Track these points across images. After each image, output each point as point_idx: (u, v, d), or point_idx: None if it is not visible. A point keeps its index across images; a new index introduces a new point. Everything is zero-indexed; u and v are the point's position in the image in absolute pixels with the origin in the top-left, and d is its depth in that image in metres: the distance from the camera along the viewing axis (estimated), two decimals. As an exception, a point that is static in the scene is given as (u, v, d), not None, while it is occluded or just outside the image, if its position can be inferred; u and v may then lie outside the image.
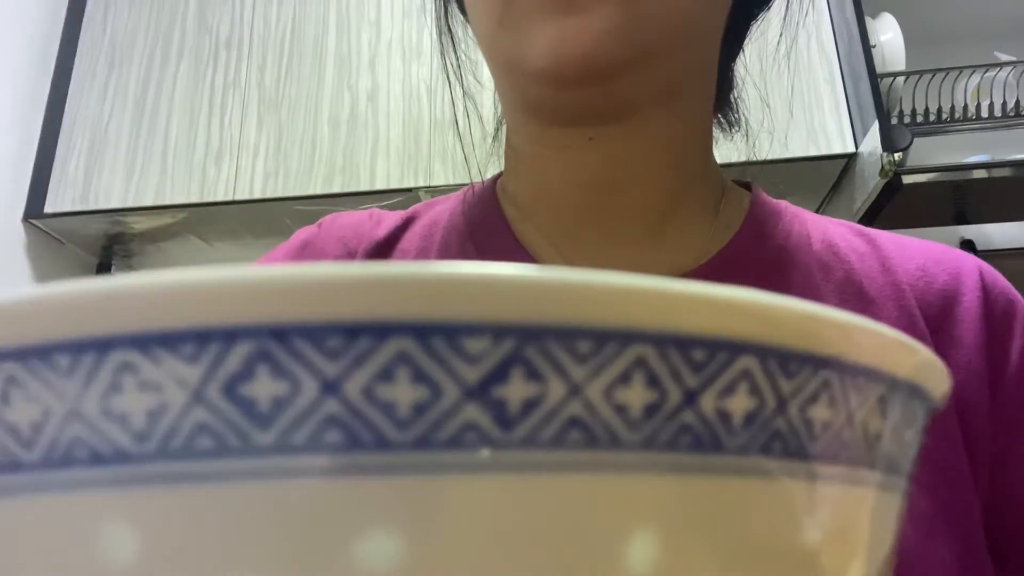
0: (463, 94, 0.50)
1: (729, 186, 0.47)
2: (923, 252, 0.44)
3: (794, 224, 0.44)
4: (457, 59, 0.50)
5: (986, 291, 0.42)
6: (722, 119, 0.49)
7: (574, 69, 0.36)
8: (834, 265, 0.43)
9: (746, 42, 0.48)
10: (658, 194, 0.42)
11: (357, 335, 0.10)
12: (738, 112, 0.49)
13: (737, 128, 0.50)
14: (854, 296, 0.41)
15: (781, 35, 0.49)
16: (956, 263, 0.43)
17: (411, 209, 0.49)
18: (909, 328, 0.40)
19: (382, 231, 0.47)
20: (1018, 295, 0.43)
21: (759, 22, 0.48)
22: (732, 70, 0.48)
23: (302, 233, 0.49)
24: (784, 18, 0.49)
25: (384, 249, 0.46)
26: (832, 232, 0.45)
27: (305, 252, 0.47)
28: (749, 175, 0.49)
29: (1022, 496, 0.39)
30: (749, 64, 0.50)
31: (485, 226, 0.45)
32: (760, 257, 0.42)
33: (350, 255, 0.46)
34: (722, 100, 0.48)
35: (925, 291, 0.42)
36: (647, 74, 0.38)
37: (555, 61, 0.36)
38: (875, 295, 0.41)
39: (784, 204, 0.47)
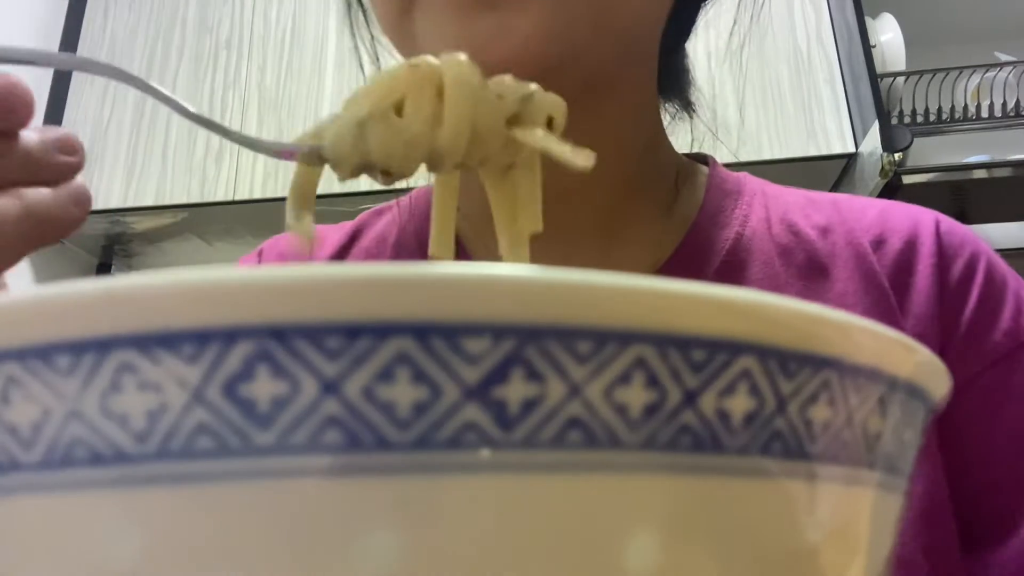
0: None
1: (684, 169, 0.44)
2: (881, 219, 0.42)
3: (753, 206, 0.42)
4: (371, 35, 0.45)
5: (942, 254, 0.40)
6: (676, 104, 0.46)
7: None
8: (795, 248, 0.41)
9: (693, 32, 0.45)
10: (605, 194, 0.40)
11: (357, 335, 0.10)
12: (689, 100, 0.47)
13: (694, 111, 0.47)
14: (818, 278, 0.40)
15: (735, 23, 0.47)
16: (912, 228, 0.41)
17: (358, 220, 0.47)
18: (878, 301, 0.39)
19: (326, 251, 0.45)
20: (982, 248, 0.41)
21: (707, 8, 0.44)
22: (680, 59, 0.45)
23: (243, 262, 0.47)
24: (738, 5, 0.46)
25: None
26: (792, 208, 0.43)
27: None
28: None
29: (982, 472, 0.38)
30: (748, 68, 0.49)
31: None
32: (718, 250, 0.40)
33: None
34: (671, 89, 0.45)
35: (883, 260, 0.40)
36: (575, 74, 0.34)
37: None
38: (839, 273, 0.40)
39: (743, 179, 0.44)
